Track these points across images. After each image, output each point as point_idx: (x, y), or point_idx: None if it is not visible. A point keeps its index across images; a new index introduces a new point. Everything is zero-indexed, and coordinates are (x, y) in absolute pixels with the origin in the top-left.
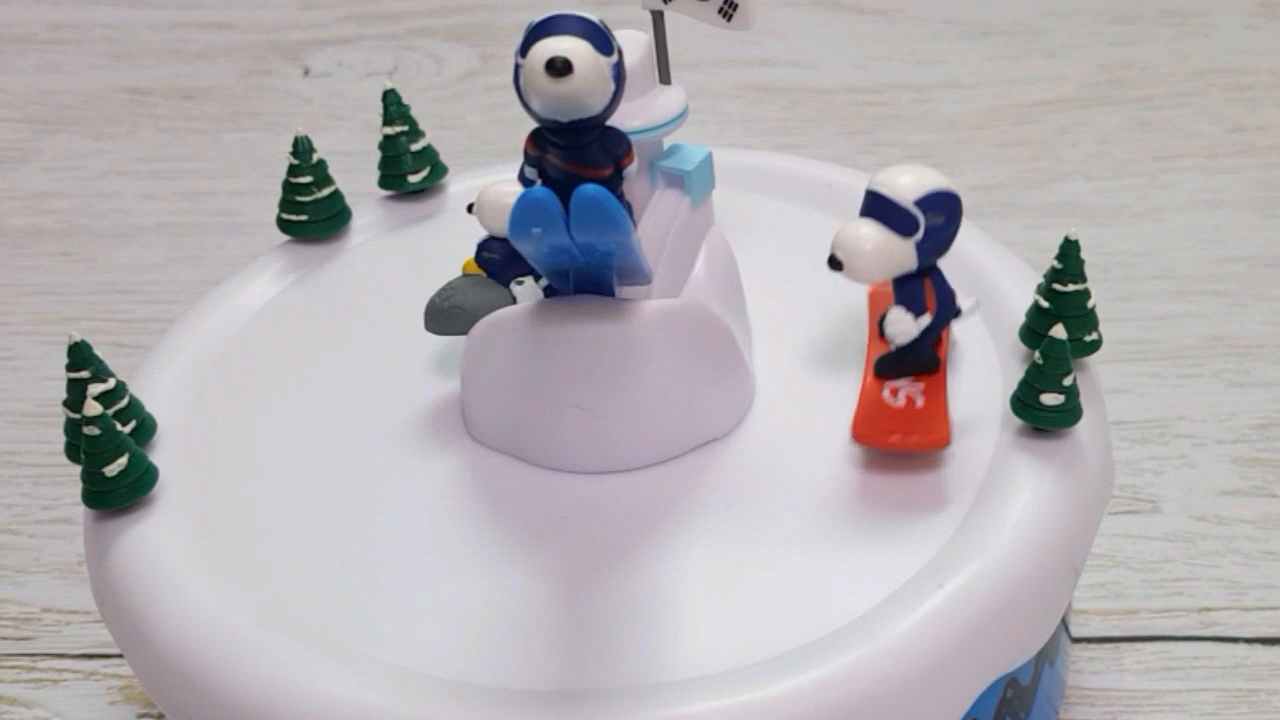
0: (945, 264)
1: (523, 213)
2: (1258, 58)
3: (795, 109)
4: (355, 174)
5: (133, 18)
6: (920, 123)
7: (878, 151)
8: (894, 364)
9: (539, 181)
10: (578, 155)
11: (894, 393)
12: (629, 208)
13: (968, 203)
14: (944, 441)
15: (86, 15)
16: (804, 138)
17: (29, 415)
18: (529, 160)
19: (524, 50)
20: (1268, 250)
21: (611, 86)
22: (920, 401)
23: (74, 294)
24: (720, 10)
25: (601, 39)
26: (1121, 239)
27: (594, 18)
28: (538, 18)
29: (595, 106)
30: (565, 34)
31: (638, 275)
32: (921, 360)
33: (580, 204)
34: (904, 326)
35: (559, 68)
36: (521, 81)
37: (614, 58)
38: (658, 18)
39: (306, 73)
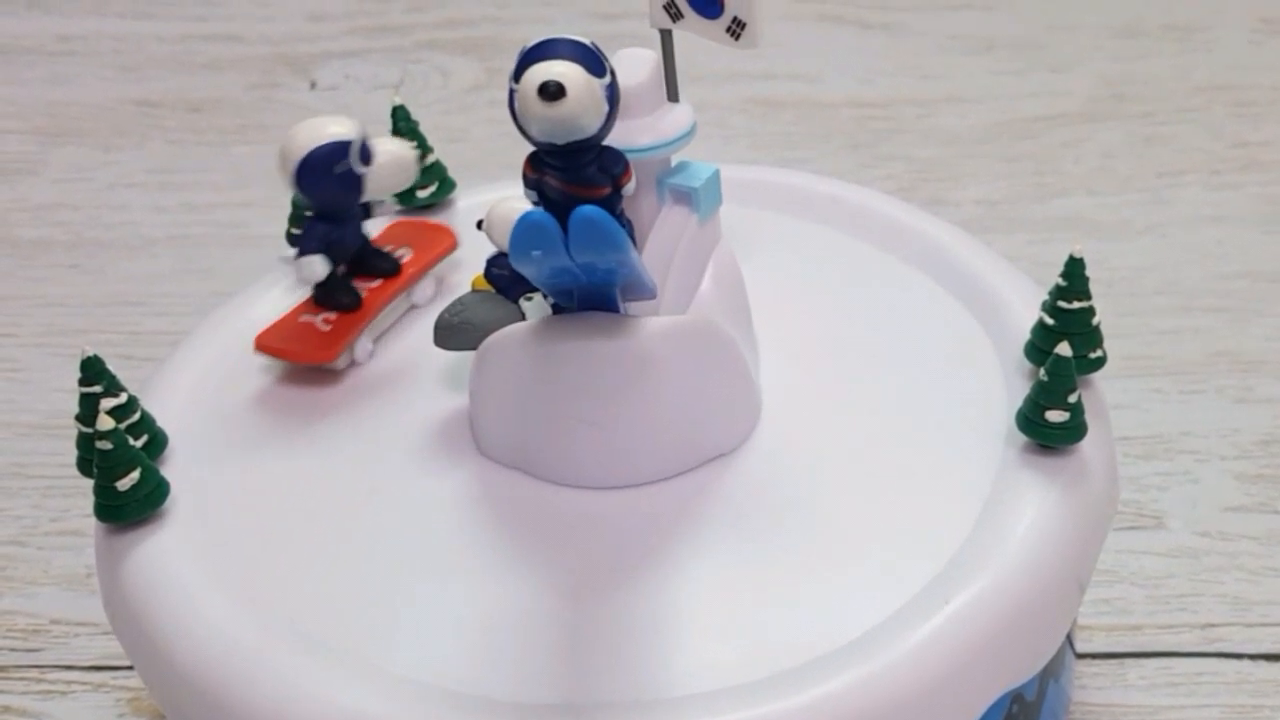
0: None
1: (522, 235)
2: (1260, 73)
3: (800, 123)
4: None
5: (141, 30)
6: (924, 137)
7: (882, 165)
8: (321, 298)
9: (539, 204)
10: (575, 176)
11: (307, 315)
12: (629, 225)
13: (970, 217)
14: (329, 358)
15: (95, 28)
16: (808, 152)
17: (37, 427)
18: (528, 183)
19: (517, 75)
20: (1271, 265)
21: (605, 108)
22: (325, 328)
23: (83, 306)
24: (728, 29)
25: (594, 61)
26: (1124, 254)
27: (586, 40)
28: (530, 43)
29: (590, 128)
30: (557, 58)
31: (642, 291)
32: (341, 302)
33: (578, 225)
34: (312, 270)
35: (552, 91)
36: (516, 106)
37: (607, 79)
38: (666, 36)
39: (313, 85)
